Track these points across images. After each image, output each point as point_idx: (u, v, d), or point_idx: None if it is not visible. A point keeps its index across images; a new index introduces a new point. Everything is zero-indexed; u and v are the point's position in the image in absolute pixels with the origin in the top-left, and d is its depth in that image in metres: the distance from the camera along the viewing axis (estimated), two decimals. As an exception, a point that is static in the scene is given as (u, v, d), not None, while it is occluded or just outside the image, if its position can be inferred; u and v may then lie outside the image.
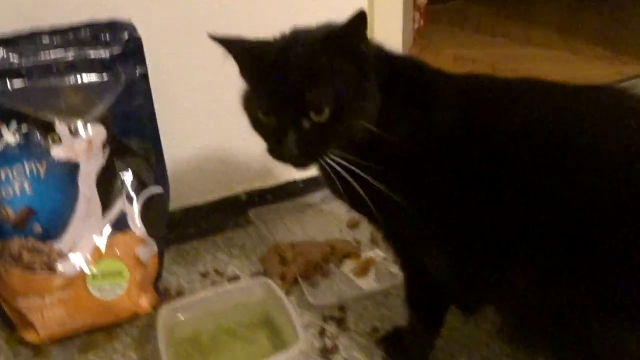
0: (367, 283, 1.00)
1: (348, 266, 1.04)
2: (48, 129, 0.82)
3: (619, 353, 0.56)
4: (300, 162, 0.65)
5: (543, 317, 0.60)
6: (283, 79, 0.62)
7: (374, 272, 1.02)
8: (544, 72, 0.64)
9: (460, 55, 2.25)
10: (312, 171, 0.72)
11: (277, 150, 0.64)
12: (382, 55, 0.70)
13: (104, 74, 0.85)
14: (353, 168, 0.63)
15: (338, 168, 0.64)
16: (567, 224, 0.57)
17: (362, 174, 0.63)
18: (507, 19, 2.76)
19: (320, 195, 1.22)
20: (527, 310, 0.62)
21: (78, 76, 0.83)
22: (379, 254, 1.05)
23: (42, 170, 0.82)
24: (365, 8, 0.75)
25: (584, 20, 2.67)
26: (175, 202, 1.14)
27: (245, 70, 0.69)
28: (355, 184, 0.64)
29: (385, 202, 0.65)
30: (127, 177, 0.90)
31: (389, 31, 1.22)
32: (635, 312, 0.54)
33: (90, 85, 0.84)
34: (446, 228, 0.67)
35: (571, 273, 0.57)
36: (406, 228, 0.70)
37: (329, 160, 0.64)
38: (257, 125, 0.67)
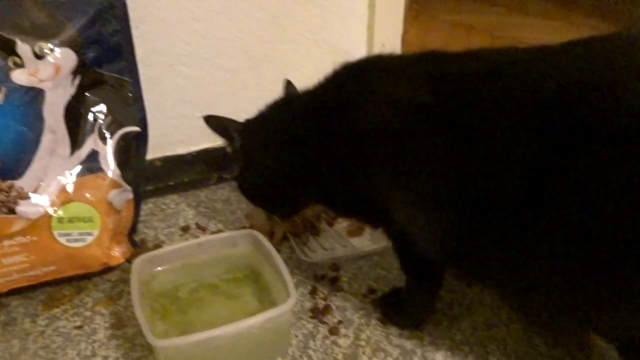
0: (362, 242, 0.92)
1: (341, 225, 0.97)
2: (8, 49, 0.71)
3: None
4: None
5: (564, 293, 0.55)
6: None
7: (368, 232, 0.95)
8: (542, 42, 0.58)
9: (457, 22, 2.18)
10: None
11: None
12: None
13: (75, -9, 0.74)
14: None
15: None
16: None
17: None
18: (506, -11, 2.69)
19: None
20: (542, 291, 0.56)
21: (43, -10, 0.73)
22: (375, 213, 0.98)
23: (0, 96, 0.71)
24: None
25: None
26: (155, 151, 1.04)
27: None
28: None
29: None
30: (100, 112, 0.80)
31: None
32: None
33: (56, 1, 0.73)
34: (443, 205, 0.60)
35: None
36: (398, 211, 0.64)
37: None
38: None
